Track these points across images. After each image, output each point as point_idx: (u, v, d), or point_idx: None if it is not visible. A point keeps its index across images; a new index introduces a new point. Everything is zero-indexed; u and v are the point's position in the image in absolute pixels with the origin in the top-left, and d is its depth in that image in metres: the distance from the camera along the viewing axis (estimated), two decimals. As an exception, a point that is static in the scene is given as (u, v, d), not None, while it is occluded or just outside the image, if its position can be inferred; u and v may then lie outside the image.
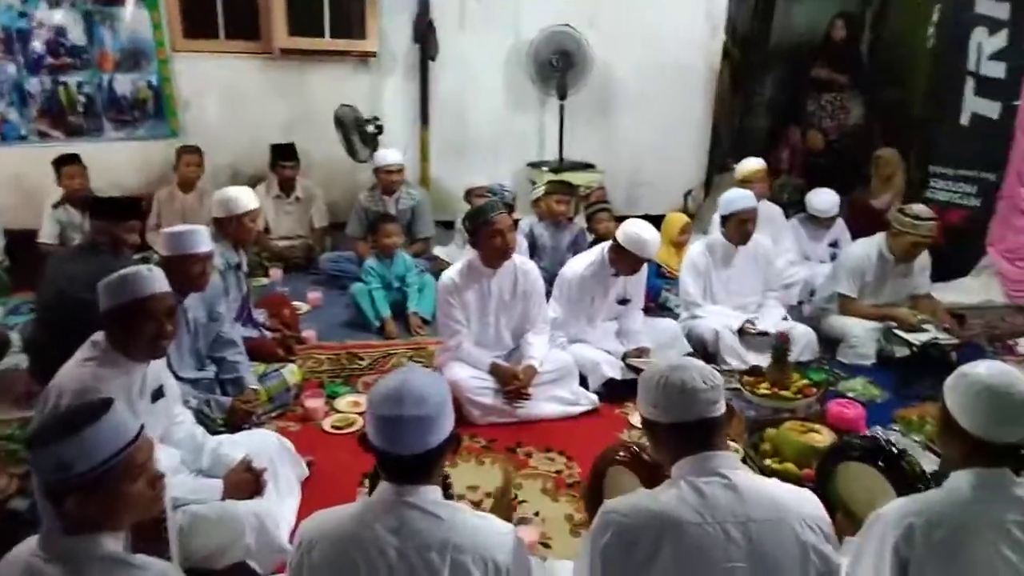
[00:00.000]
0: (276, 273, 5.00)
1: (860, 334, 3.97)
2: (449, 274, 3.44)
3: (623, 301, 3.77)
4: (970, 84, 4.95)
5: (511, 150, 5.97)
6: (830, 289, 4.23)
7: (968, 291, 4.93)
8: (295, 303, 4.47)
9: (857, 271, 4.07)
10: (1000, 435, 1.65)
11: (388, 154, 4.88)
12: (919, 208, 4.00)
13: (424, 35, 5.41)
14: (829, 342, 4.10)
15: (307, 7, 5.35)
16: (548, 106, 5.87)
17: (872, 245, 4.08)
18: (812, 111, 6.37)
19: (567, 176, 5.58)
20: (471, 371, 3.33)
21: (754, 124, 6.98)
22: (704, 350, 3.88)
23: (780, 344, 3.27)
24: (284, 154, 5.23)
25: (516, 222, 4.84)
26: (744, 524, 1.53)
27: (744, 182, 4.82)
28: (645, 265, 3.69)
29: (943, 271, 5.06)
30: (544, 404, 3.33)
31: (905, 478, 2.11)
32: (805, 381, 3.29)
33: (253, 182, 5.13)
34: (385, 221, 4.39)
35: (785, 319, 4.06)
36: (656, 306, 4.61)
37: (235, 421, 2.97)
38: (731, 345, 3.84)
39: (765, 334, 3.82)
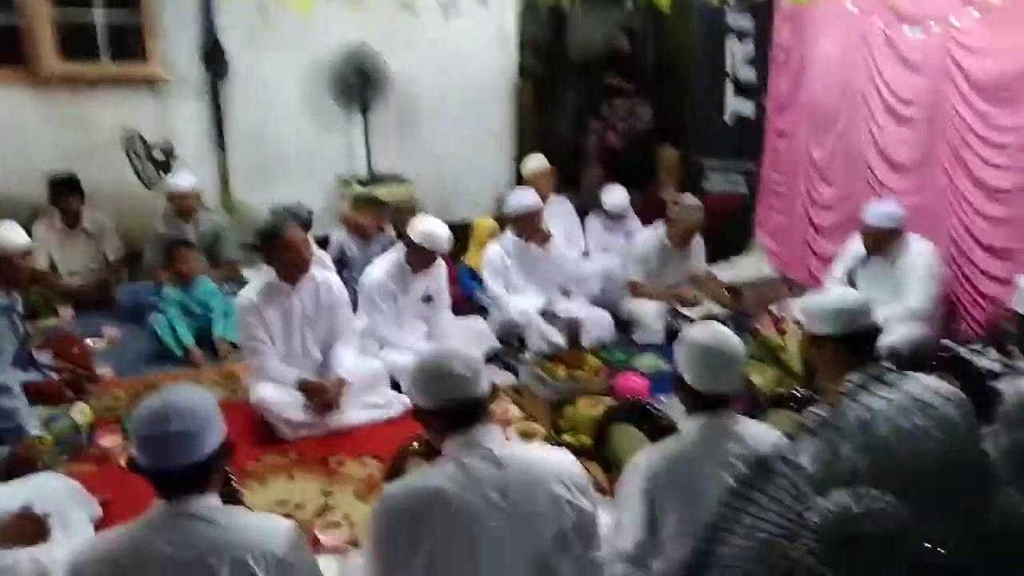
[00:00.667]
0: (66, 312, 4.66)
1: (648, 314, 4.38)
2: (247, 294, 3.41)
3: (427, 299, 3.89)
4: (730, 87, 5.58)
5: (320, 167, 5.93)
6: (623, 277, 4.63)
7: (744, 267, 5.53)
8: (90, 341, 4.21)
9: (642, 258, 4.49)
10: (713, 387, 1.94)
11: (179, 179, 4.71)
12: (687, 198, 4.49)
13: (211, 55, 5.27)
14: (626, 324, 4.48)
15: (78, 30, 5.04)
16: (353, 122, 5.90)
17: (654, 234, 4.52)
18: (607, 116, 6.90)
19: (376, 189, 5.66)
20: (277, 389, 3.32)
21: (559, 130, 7.44)
22: (518, 338, 4.13)
23: (571, 329, 3.54)
24: (64, 186, 4.88)
25: (326, 239, 4.91)
26: (503, 489, 1.69)
27: (529, 181, 5.15)
28: (443, 264, 3.86)
29: (723, 252, 5.68)
30: (355, 412, 3.38)
31: (661, 431, 2.40)
32: (598, 361, 3.59)
33: (31, 217, 4.76)
34: (180, 247, 4.24)
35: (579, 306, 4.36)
36: (469, 306, 4.79)
37: (17, 471, 2.77)
38: (538, 327, 4.08)
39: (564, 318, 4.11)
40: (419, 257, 3.71)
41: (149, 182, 4.92)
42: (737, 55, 5.55)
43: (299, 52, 5.66)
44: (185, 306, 4.22)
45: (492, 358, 3.98)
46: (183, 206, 4.70)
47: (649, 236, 4.56)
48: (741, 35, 5.48)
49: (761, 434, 1.98)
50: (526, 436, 3.17)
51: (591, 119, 7.00)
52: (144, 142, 4.88)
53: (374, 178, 5.85)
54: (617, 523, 1.99)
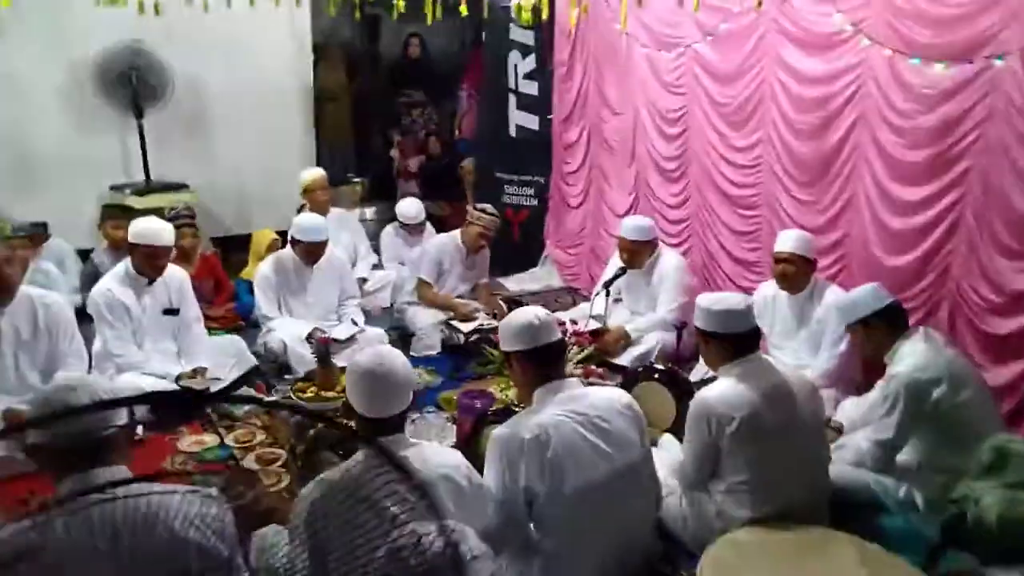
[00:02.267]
0: None
1: (426, 326, 4.36)
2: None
3: (169, 311, 3.66)
4: (512, 100, 5.69)
5: (90, 175, 5.48)
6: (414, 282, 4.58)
7: (535, 279, 5.67)
8: None
9: (436, 258, 4.50)
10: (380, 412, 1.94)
11: None
12: (484, 205, 4.58)
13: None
14: (408, 338, 4.44)
15: None
16: (129, 126, 5.49)
17: (451, 237, 4.57)
18: (408, 124, 6.88)
19: (155, 197, 5.30)
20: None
21: (367, 142, 7.33)
22: (276, 361, 3.96)
23: (321, 348, 3.44)
24: None
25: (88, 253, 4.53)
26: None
27: (307, 191, 5.02)
28: (182, 273, 3.69)
29: (518, 263, 5.80)
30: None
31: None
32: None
33: None
34: None
35: (356, 324, 4.26)
36: (247, 324, 4.57)
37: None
38: (300, 354, 3.92)
39: (338, 340, 4.00)
40: (139, 258, 3.50)
41: None
42: (520, 69, 5.66)
43: (56, 50, 5.22)
44: None
45: (251, 376, 3.81)
46: None
47: (445, 239, 4.60)
48: (524, 49, 5.60)
49: (433, 457, 1.98)
50: (263, 461, 3.04)
51: (393, 130, 6.96)
52: None
53: (152, 186, 5.47)
54: None
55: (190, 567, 1.62)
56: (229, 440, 3.22)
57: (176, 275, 3.72)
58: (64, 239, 4.88)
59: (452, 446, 2.78)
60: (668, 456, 2.77)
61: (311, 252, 4.10)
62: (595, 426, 2.20)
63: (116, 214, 4.39)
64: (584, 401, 2.25)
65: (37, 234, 4.53)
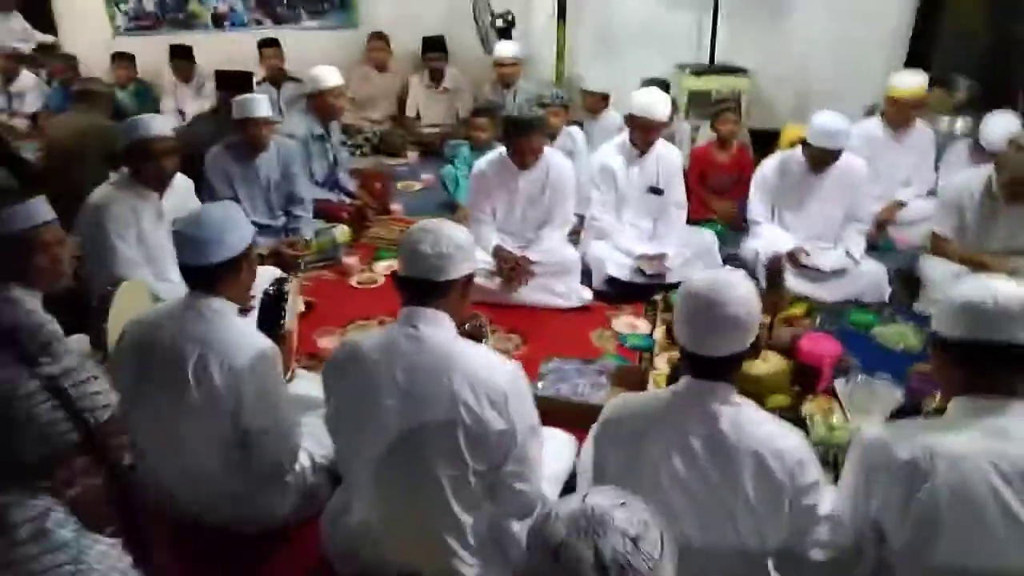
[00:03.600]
0: (412, 155, 5.58)
1: (938, 281, 3.42)
2: (481, 165, 3.67)
3: (654, 191, 3.69)
4: None
5: (662, 49, 5.70)
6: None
7: None
8: (411, 181, 5.04)
9: (953, 206, 3.45)
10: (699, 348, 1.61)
11: (502, 47, 5.08)
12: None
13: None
14: (913, 284, 3.60)
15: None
16: (706, 3, 5.50)
17: (976, 178, 3.41)
18: None
19: (709, 79, 5.30)
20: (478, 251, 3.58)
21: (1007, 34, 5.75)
22: (750, 271, 3.67)
23: (772, 269, 3.04)
24: (431, 46, 5.67)
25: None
26: (409, 368, 1.72)
27: (895, 101, 4.18)
28: (679, 155, 3.59)
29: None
30: (534, 292, 3.50)
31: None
32: (796, 310, 3.04)
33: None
34: (477, 114, 4.62)
35: (849, 255, 3.60)
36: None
37: (279, 263, 3.59)
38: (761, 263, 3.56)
39: (816, 270, 3.51)
40: (636, 130, 3.55)
41: (489, 48, 5.41)
42: None
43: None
44: (471, 167, 4.67)
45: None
46: (502, 74, 5.10)
47: (969, 178, 3.44)
48: None
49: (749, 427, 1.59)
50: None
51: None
52: (490, 10, 5.32)
53: (712, 68, 5.45)
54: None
55: (456, 429, 1.68)
56: (656, 334, 3.19)
57: (668, 156, 3.70)
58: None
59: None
60: None
61: (820, 160, 3.55)
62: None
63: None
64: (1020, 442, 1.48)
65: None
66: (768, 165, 3.83)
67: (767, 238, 3.68)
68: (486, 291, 3.51)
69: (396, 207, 4.60)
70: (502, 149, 3.57)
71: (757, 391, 2.67)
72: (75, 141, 3.70)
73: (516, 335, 3.27)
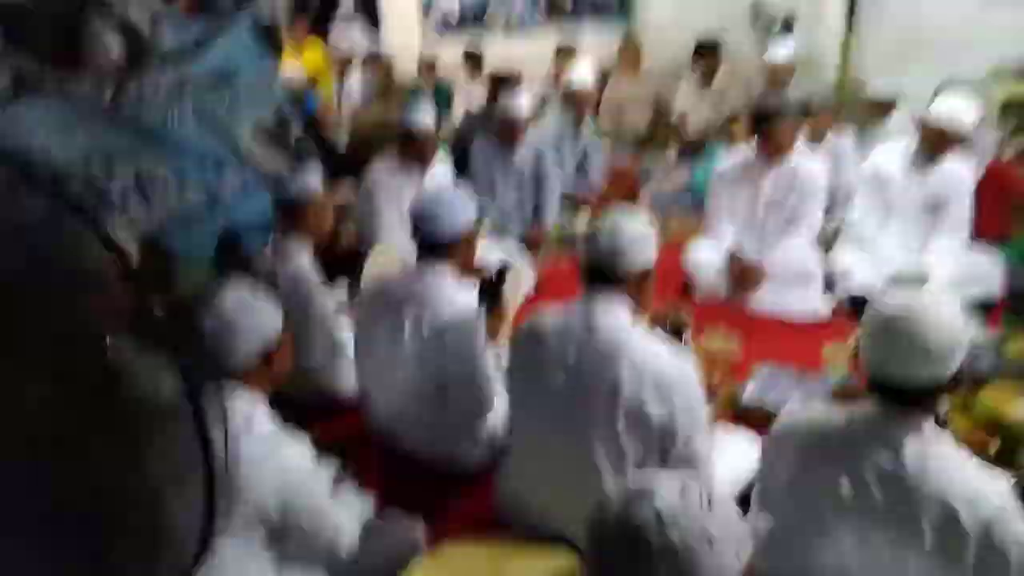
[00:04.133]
0: (669, 155, 5.58)
1: None
2: (725, 163, 3.59)
3: (931, 207, 3.32)
4: None
5: (974, 54, 4.94)
6: None
7: None
8: (665, 181, 5.07)
9: None
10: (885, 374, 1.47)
11: (776, 49, 4.84)
12: None
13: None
14: None
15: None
16: (1039, -4, 4.69)
17: None
18: None
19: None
20: (711, 252, 3.52)
21: None
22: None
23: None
24: (704, 48, 5.59)
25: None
26: (581, 347, 1.80)
27: None
28: (970, 171, 3.23)
29: None
30: (766, 300, 3.35)
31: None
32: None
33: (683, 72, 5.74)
34: (735, 115, 4.46)
35: None
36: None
37: (527, 246, 3.89)
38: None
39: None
40: (930, 142, 3.21)
41: (764, 50, 5.19)
42: None
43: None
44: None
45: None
46: (774, 76, 4.86)
47: None
48: None
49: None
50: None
51: None
52: (767, 13, 5.11)
53: (1039, 68, 4.65)
54: None
55: (617, 410, 1.73)
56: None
57: (957, 169, 3.31)
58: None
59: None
60: None
61: None
62: None
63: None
64: None
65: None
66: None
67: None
68: (714, 293, 3.45)
69: (643, 205, 4.66)
70: (752, 146, 3.47)
71: (1010, 436, 2.34)
72: (373, 131, 4.35)
73: (734, 337, 3.16)
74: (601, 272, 1.83)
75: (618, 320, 1.81)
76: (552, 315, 1.94)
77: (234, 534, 1.55)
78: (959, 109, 3.18)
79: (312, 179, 2.44)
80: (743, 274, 3.38)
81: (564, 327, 1.85)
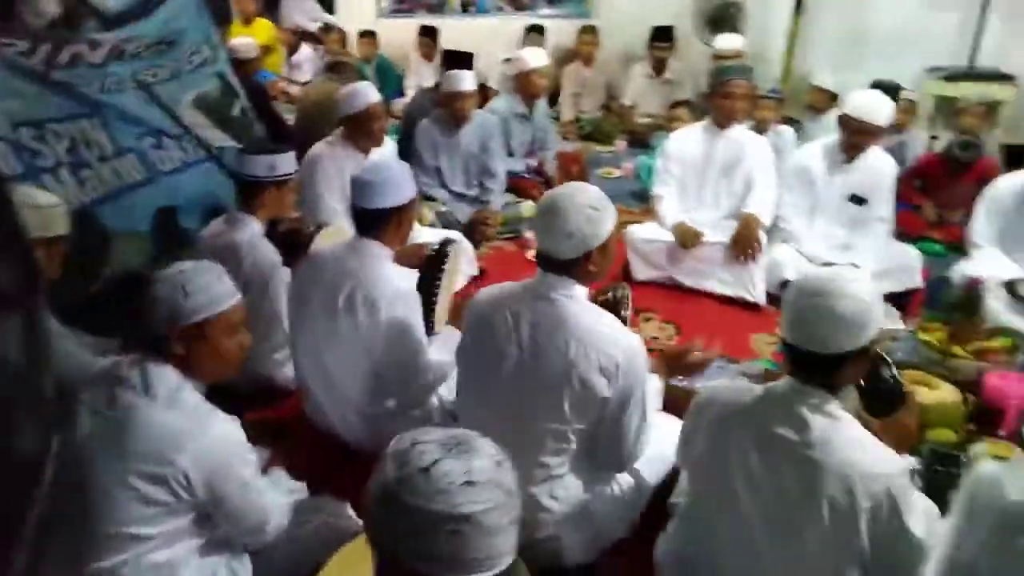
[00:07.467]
0: (620, 144, 5.64)
1: None
2: (674, 138, 3.67)
3: (856, 200, 3.41)
4: None
5: (914, 53, 5.12)
6: None
7: None
8: (612, 168, 5.13)
9: None
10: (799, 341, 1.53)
11: (722, 39, 4.93)
12: None
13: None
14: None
15: None
16: (973, 2, 4.87)
17: None
18: None
19: (966, 86, 4.69)
20: (653, 229, 3.58)
21: None
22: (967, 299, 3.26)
23: (970, 293, 2.68)
24: (659, 36, 5.66)
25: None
26: (534, 326, 1.79)
27: None
28: (892, 166, 3.31)
29: None
30: (709, 279, 3.44)
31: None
32: (995, 343, 2.65)
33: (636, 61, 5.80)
34: (676, 106, 4.55)
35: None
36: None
37: (472, 231, 3.86)
38: (989, 302, 3.12)
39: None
40: (848, 132, 3.32)
41: (707, 39, 5.28)
42: None
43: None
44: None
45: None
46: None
47: None
48: None
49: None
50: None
51: None
52: (715, 4, 5.19)
53: (970, 73, 4.83)
54: None
55: (564, 389, 1.76)
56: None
57: (880, 165, 3.40)
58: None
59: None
60: None
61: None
62: None
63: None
64: None
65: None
66: (1006, 185, 3.36)
67: (984, 263, 3.24)
68: (657, 267, 3.52)
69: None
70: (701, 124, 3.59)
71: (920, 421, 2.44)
72: (320, 105, 4.26)
73: (671, 325, 3.23)
74: (554, 253, 1.78)
75: (572, 299, 1.81)
76: (505, 294, 1.90)
77: (162, 521, 1.54)
78: (875, 103, 3.28)
79: (286, 161, 2.45)
80: (683, 236, 3.45)
81: (519, 301, 1.84)
